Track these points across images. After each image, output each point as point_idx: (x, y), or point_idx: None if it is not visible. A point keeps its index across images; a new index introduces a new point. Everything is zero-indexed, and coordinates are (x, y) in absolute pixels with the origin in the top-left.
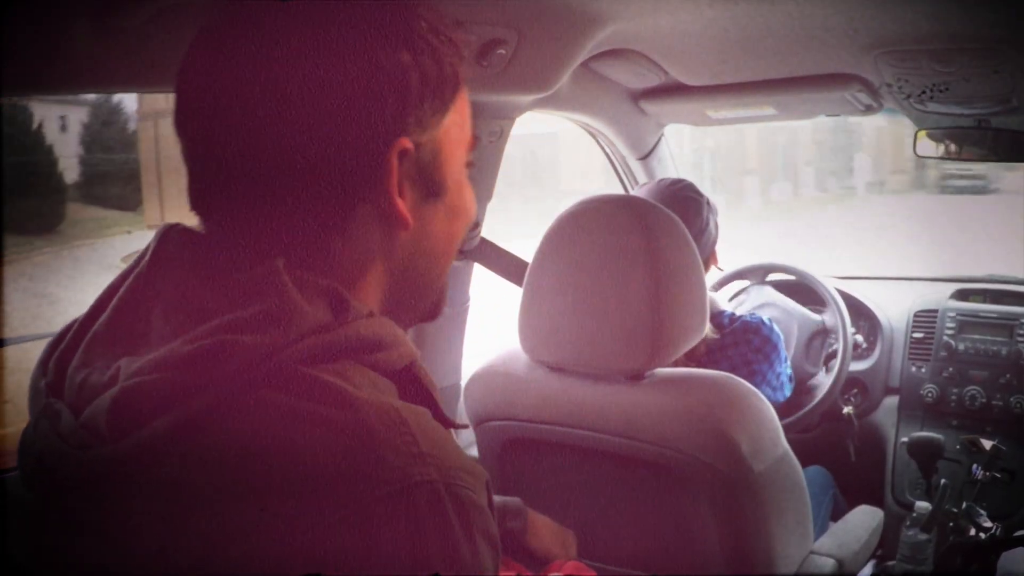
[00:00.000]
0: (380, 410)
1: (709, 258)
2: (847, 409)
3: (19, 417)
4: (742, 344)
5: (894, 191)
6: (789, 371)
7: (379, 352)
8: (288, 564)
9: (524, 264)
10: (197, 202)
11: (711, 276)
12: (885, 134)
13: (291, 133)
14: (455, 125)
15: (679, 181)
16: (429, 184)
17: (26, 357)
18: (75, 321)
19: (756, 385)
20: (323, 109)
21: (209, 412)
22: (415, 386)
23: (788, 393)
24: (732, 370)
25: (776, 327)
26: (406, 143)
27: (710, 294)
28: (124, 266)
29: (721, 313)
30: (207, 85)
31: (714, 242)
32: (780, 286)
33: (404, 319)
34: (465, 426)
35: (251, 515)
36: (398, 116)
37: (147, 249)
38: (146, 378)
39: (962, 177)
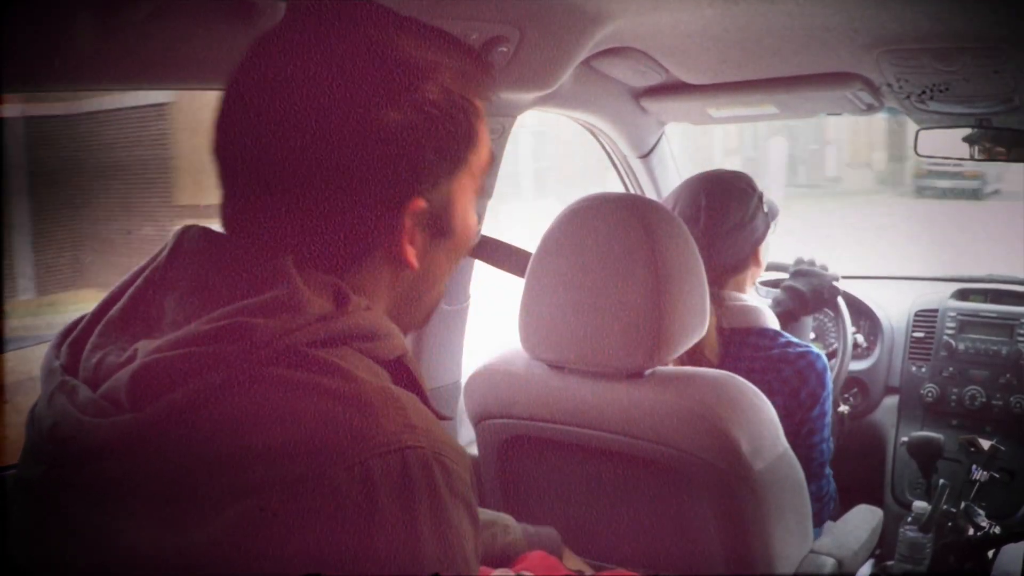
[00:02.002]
0: (376, 387)
1: (749, 256)
2: (842, 408)
3: (19, 417)
4: (771, 372)
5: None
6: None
7: (374, 341)
8: (293, 516)
9: (527, 254)
10: (226, 212)
11: (752, 276)
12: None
13: (315, 181)
14: (468, 174)
15: (737, 172)
16: (439, 228)
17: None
18: (86, 313)
19: (798, 426)
20: (342, 170)
21: (225, 384)
22: (405, 376)
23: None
24: (768, 396)
25: (820, 359)
26: (419, 203)
27: (758, 306)
28: None
29: (766, 332)
30: (251, 117)
31: (758, 240)
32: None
33: (395, 324)
34: (449, 417)
35: (261, 475)
36: (410, 182)
37: (164, 246)
38: (166, 354)
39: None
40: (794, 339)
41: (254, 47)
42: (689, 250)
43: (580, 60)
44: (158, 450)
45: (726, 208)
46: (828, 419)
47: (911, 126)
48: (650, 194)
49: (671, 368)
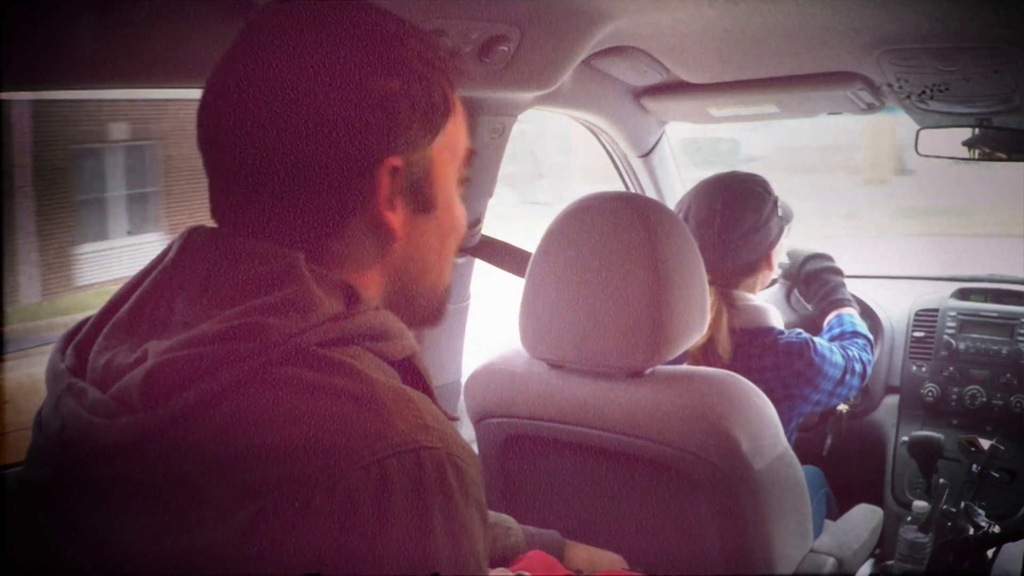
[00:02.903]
0: (389, 388)
1: (762, 260)
2: (841, 407)
3: (19, 417)
4: (783, 368)
5: None
6: (859, 366)
7: (385, 341)
8: (308, 514)
9: (527, 254)
10: (216, 205)
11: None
12: None
13: (293, 145)
14: (446, 147)
15: (753, 175)
16: (420, 199)
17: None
18: (91, 315)
19: (795, 407)
20: (320, 126)
21: (237, 383)
22: (414, 377)
23: (856, 383)
24: (768, 394)
25: (821, 344)
26: (395, 161)
27: (765, 307)
28: None
29: (769, 330)
30: (229, 101)
31: (771, 244)
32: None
33: (404, 321)
34: (456, 418)
35: (275, 474)
36: (387, 137)
37: (170, 247)
38: (178, 353)
39: None
40: (787, 332)
41: (232, 45)
42: (689, 249)
43: (581, 59)
44: (171, 450)
45: (742, 211)
46: (832, 387)
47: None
48: (651, 193)
49: (671, 367)
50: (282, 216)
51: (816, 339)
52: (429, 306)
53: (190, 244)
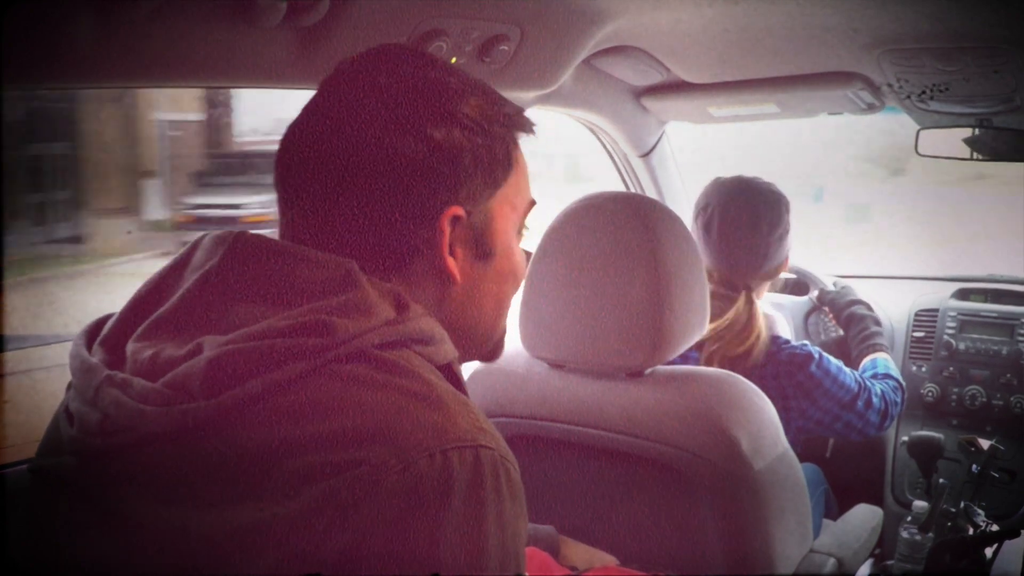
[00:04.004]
0: (447, 389)
1: (783, 265)
2: None
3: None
4: (783, 377)
5: None
6: (879, 401)
7: (432, 346)
8: (372, 500)
9: (528, 255)
10: (287, 219)
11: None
12: None
13: (363, 182)
14: (507, 199)
15: (766, 180)
16: (480, 247)
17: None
18: (111, 314)
19: (791, 420)
20: (389, 174)
21: (303, 376)
22: (454, 381)
23: (874, 419)
24: (783, 400)
25: (829, 360)
26: (458, 211)
27: (773, 314)
28: None
29: (775, 338)
30: (309, 139)
31: (789, 248)
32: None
33: (462, 356)
34: None
35: (341, 458)
36: (451, 188)
37: (196, 248)
38: (244, 344)
39: None
40: (793, 342)
41: (321, 87)
42: (689, 249)
43: (581, 59)
44: (236, 434)
45: (776, 216)
46: (835, 411)
47: None
48: (651, 193)
49: (671, 367)
50: (344, 246)
51: (826, 355)
52: (486, 345)
53: (240, 249)
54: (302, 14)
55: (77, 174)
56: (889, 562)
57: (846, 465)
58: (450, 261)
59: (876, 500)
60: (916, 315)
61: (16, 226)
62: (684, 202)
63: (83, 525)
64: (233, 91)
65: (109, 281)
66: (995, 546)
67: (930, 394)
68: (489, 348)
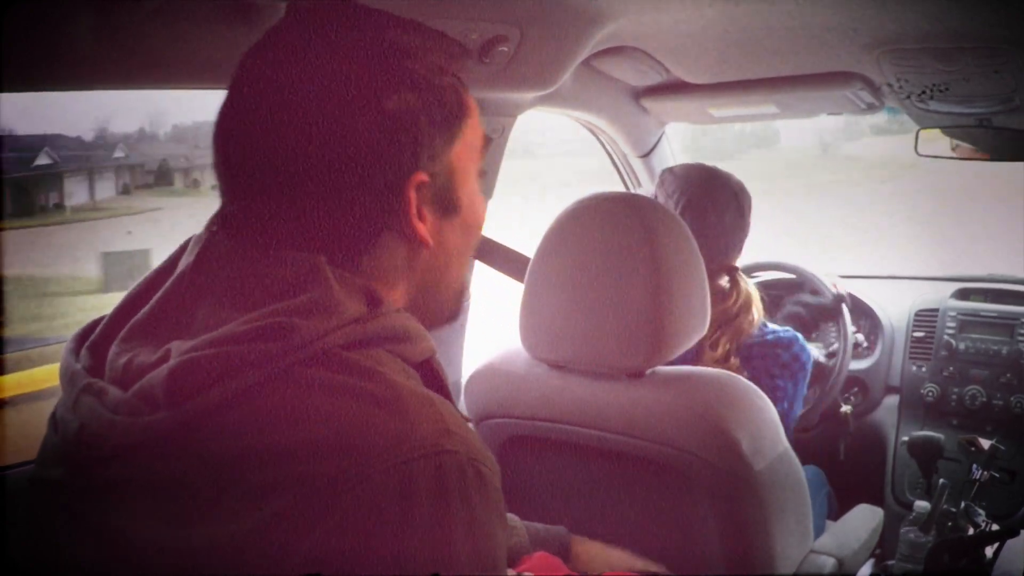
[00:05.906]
0: (412, 391)
1: (739, 252)
2: (845, 408)
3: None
4: (769, 358)
5: None
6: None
7: (405, 343)
8: (331, 513)
9: (526, 260)
10: (230, 211)
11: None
12: None
13: (319, 168)
14: (465, 147)
15: (715, 168)
16: (446, 204)
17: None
18: (102, 316)
19: (775, 400)
20: (347, 159)
21: (263, 382)
22: (433, 378)
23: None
24: (753, 381)
25: (807, 345)
26: (421, 176)
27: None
28: None
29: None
30: (249, 117)
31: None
32: (778, 285)
33: (424, 323)
34: (470, 419)
35: (299, 471)
36: (411, 155)
37: (183, 251)
38: (203, 352)
39: None
40: (769, 325)
41: (251, 50)
42: (689, 249)
43: (580, 60)
44: (195, 447)
45: (741, 205)
46: (799, 395)
47: None
48: (650, 194)
49: (671, 367)
50: (307, 234)
51: (802, 339)
52: (446, 304)
53: (211, 249)
54: None
55: None
56: (889, 562)
57: (846, 465)
58: (420, 227)
59: (876, 500)
60: (916, 315)
61: None
62: None
63: (68, 534)
64: None
65: None
66: (995, 546)
67: (930, 394)
68: (449, 307)
